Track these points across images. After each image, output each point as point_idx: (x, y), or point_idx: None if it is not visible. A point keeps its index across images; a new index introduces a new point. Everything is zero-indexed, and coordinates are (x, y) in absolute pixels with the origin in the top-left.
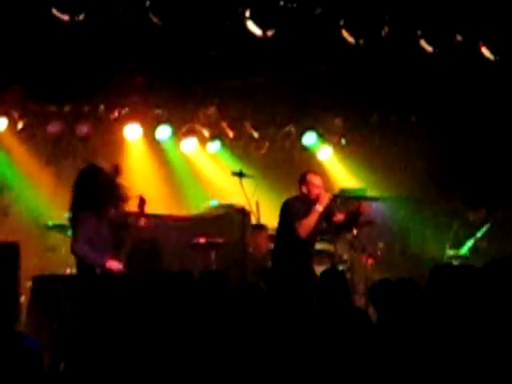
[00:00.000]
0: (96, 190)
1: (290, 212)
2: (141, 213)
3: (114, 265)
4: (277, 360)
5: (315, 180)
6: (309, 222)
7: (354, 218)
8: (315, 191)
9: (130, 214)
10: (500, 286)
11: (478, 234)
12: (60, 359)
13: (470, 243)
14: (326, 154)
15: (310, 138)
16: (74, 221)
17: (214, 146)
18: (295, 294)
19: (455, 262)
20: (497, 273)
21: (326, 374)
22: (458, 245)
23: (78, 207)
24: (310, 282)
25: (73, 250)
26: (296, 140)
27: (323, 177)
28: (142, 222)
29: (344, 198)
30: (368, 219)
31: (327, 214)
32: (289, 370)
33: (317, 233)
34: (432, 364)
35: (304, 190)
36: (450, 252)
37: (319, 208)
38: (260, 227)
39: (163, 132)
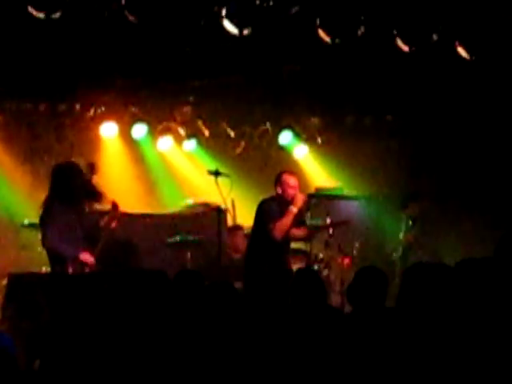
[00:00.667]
0: (70, 186)
1: (265, 213)
2: (113, 217)
3: (87, 257)
4: (252, 359)
5: (290, 180)
6: (283, 224)
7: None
8: (290, 192)
9: (102, 213)
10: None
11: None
12: (35, 357)
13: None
14: (302, 152)
15: (286, 137)
16: (47, 214)
17: (190, 144)
18: (270, 292)
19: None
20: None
21: (301, 373)
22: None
23: (51, 201)
24: (286, 281)
25: (44, 243)
26: (272, 139)
27: (299, 176)
28: (114, 224)
29: (319, 198)
30: (345, 219)
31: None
32: (264, 368)
33: (289, 234)
34: (408, 362)
35: (279, 190)
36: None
37: (294, 209)
38: (236, 228)
39: (139, 130)
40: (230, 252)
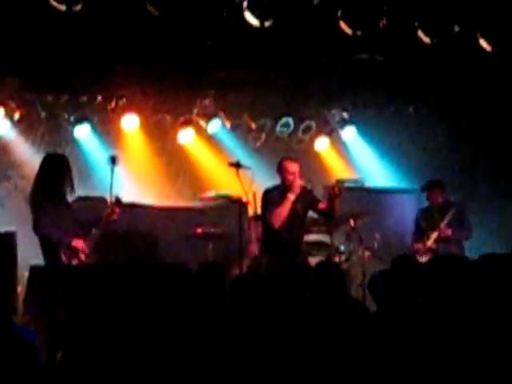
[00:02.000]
0: (60, 176)
1: (265, 201)
2: (114, 210)
3: (79, 244)
4: (274, 351)
5: (290, 167)
6: (280, 211)
7: (332, 201)
8: (289, 178)
9: (105, 205)
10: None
11: (442, 225)
12: (57, 349)
13: (434, 235)
14: (323, 145)
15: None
16: (37, 202)
17: (214, 125)
18: (285, 283)
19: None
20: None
21: (323, 366)
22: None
23: (40, 188)
24: (299, 272)
25: (36, 229)
26: (293, 131)
27: (320, 168)
28: (115, 216)
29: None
30: (368, 209)
31: (311, 204)
32: (286, 361)
33: (296, 221)
34: (431, 356)
35: (280, 177)
36: (417, 246)
37: (291, 196)
38: (257, 219)
39: (162, 122)
40: (254, 241)
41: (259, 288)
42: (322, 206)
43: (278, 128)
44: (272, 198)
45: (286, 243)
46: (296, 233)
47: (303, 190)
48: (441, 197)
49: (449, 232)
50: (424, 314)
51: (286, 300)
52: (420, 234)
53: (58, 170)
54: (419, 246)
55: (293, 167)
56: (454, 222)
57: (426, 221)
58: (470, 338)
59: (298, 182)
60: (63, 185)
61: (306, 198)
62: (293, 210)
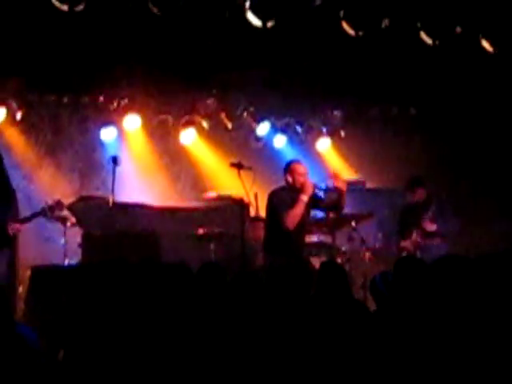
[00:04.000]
0: None
1: (277, 203)
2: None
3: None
4: (276, 351)
5: (300, 168)
6: (295, 213)
7: (337, 196)
8: (300, 179)
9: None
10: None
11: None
12: (59, 348)
13: (419, 231)
14: (324, 145)
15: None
16: None
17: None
18: (289, 284)
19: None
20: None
21: (325, 366)
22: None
23: None
24: (304, 272)
25: None
26: (295, 132)
27: (322, 168)
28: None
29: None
30: (367, 212)
31: (314, 201)
32: (288, 361)
33: (305, 222)
34: (431, 356)
35: (289, 179)
36: (404, 243)
37: (304, 198)
38: (258, 219)
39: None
40: (252, 243)
41: (261, 288)
42: (327, 201)
43: (279, 129)
44: (284, 199)
45: (295, 244)
46: (303, 234)
47: (315, 189)
48: (424, 193)
49: (433, 227)
50: (426, 315)
51: (289, 300)
52: (405, 231)
53: None
54: (406, 243)
55: (302, 169)
56: (437, 216)
57: (410, 218)
58: (472, 339)
59: (310, 183)
60: None
61: (310, 199)
62: (305, 211)
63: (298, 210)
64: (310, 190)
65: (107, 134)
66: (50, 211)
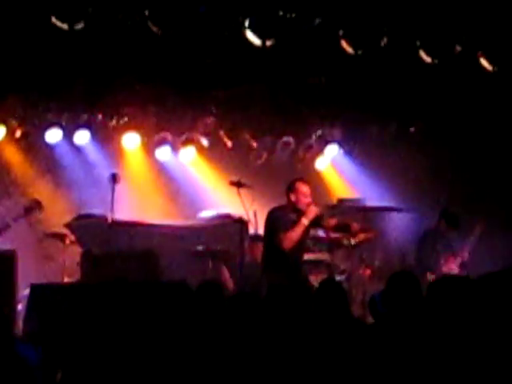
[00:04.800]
0: None
1: (275, 222)
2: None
3: None
4: (274, 369)
5: (304, 189)
6: (294, 235)
7: (344, 231)
8: (304, 200)
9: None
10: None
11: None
12: (57, 368)
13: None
14: (323, 164)
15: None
16: None
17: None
18: (287, 302)
19: None
20: (494, 285)
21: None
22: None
23: None
24: (302, 291)
25: None
26: (294, 150)
27: (321, 187)
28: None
29: (342, 209)
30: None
31: (322, 226)
32: (286, 378)
33: (304, 242)
34: (431, 374)
35: (292, 198)
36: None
37: (305, 221)
38: (257, 237)
39: (162, 143)
40: (251, 262)
41: (259, 306)
42: (332, 222)
43: (278, 147)
44: (282, 219)
45: (293, 263)
46: (301, 253)
47: (316, 215)
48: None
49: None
50: (424, 333)
51: (288, 319)
52: (437, 255)
53: None
54: (452, 265)
55: (306, 189)
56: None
57: (442, 245)
58: (471, 357)
59: (314, 208)
60: None
61: (315, 221)
62: (304, 233)
63: (296, 233)
64: (312, 215)
65: (106, 152)
66: (28, 212)
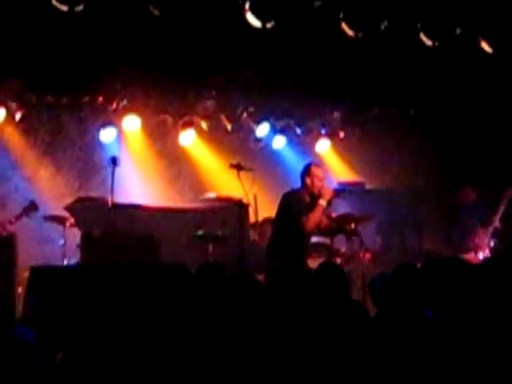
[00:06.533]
0: None
1: (295, 206)
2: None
3: None
4: (274, 352)
5: (319, 172)
6: (315, 217)
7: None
8: (318, 184)
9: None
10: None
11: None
12: (57, 350)
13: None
14: (324, 146)
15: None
16: None
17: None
18: (293, 286)
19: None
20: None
21: (323, 367)
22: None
23: None
24: (306, 275)
25: None
26: (294, 133)
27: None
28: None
29: (343, 192)
30: (368, 214)
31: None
32: (286, 362)
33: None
34: (431, 359)
35: (308, 181)
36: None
37: (323, 203)
38: (257, 220)
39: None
40: (258, 243)
41: (259, 289)
42: (328, 223)
43: (279, 130)
44: (302, 202)
45: (304, 247)
46: (310, 237)
47: (332, 197)
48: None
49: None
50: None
51: (288, 301)
52: (466, 231)
53: None
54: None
55: (321, 173)
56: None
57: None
58: (471, 343)
59: (329, 190)
60: None
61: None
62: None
63: (317, 215)
64: (328, 196)
65: (106, 135)
66: (27, 212)
